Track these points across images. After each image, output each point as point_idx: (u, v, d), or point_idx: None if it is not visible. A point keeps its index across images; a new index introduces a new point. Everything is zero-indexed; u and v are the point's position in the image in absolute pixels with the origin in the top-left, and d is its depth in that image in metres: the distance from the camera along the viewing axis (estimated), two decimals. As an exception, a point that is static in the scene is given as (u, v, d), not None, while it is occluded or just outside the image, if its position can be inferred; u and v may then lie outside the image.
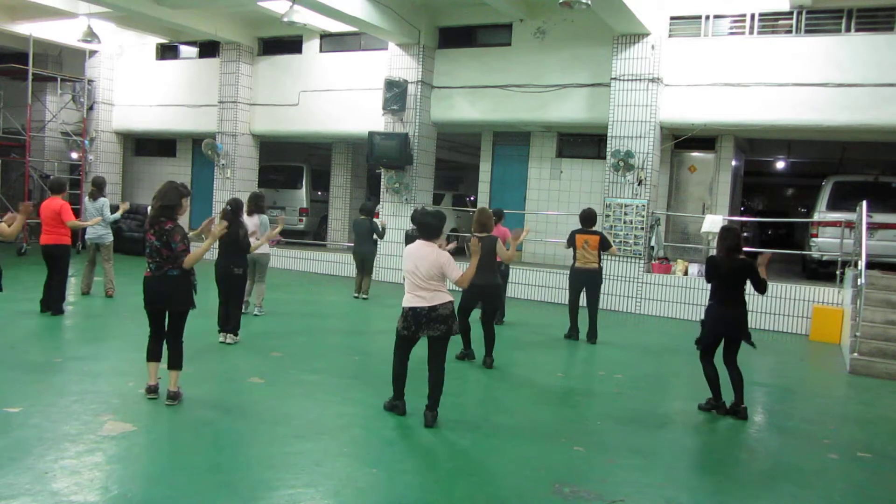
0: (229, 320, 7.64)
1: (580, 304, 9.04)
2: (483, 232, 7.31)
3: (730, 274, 6.01)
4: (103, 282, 10.10)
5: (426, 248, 5.28)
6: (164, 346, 5.55)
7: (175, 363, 5.51)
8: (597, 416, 5.92)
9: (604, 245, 8.78)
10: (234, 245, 7.57)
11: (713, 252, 6.84)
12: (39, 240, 8.72)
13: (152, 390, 5.51)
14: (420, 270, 5.19)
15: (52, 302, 8.58)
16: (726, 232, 6.15)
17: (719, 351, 6.21)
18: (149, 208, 5.57)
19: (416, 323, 5.20)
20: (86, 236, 10.09)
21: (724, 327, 6.09)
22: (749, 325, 6.18)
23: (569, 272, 9.04)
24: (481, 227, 7.33)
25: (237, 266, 7.61)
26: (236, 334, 7.69)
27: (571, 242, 8.86)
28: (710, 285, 6.16)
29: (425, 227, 5.36)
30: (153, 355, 5.55)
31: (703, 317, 6.22)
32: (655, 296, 11.55)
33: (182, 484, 4.01)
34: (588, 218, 8.84)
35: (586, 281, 8.87)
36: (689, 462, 5.14)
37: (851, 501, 4.57)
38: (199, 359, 6.93)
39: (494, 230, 9.54)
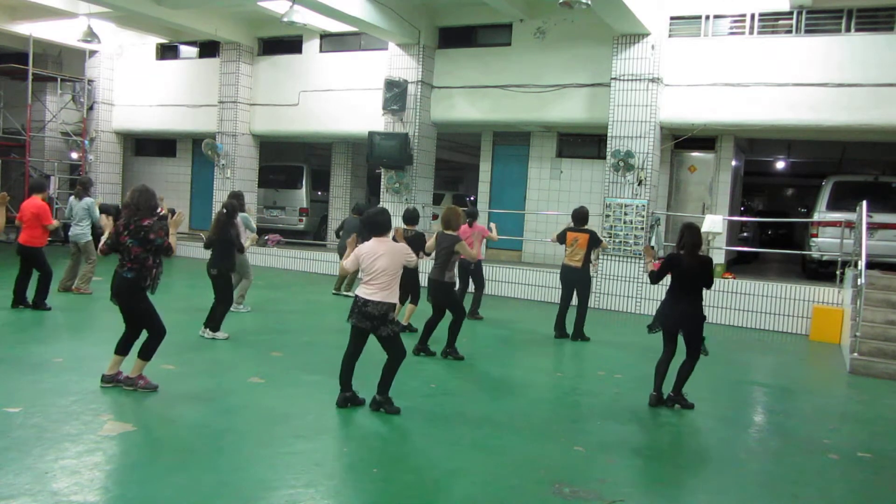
0: (214, 317, 7.73)
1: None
2: (448, 230, 7.46)
3: (690, 271, 6.04)
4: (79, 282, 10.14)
5: (381, 244, 5.46)
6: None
7: (143, 353, 5.66)
8: (597, 416, 5.92)
9: (594, 242, 8.84)
10: (225, 245, 7.67)
11: (712, 251, 6.81)
12: (18, 238, 8.90)
13: (105, 379, 5.66)
14: (376, 265, 5.38)
15: (36, 298, 8.73)
16: (689, 229, 6.14)
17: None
18: (123, 208, 5.69)
19: (352, 310, 5.47)
20: (68, 234, 10.17)
21: (678, 323, 6.14)
22: (704, 329, 6.20)
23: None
24: (447, 224, 7.47)
25: (213, 266, 7.73)
26: (216, 330, 7.74)
27: (562, 239, 8.97)
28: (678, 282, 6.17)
29: (376, 224, 5.54)
30: (118, 348, 5.72)
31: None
32: (655, 296, 11.51)
33: (182, 484, 4.00)
34: (581, 217, 8.91)
35: (572, 279, 8.97)
36: (689, 462, 5.14)
37: (851, 501, 4.57)
38: (199, 358, 6.94)
39: (471, 229, 9.64)
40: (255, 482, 4.10)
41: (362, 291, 5.42)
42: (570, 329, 9.06)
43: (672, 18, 11.76)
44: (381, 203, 14.03)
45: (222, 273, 7.80)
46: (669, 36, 11.74)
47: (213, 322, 7.73)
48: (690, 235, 6.08)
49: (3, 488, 3.77)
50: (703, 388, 6.60)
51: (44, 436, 4.56)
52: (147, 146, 19.25)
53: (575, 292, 9.02)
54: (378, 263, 5.37)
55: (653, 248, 7.05)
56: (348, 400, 5.54)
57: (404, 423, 5.30)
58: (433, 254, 7.59)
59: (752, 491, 4.51)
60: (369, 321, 5.39)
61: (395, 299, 5.51)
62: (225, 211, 7.73)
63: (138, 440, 4.70)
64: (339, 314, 10.40)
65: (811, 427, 6.02)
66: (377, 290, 5.39)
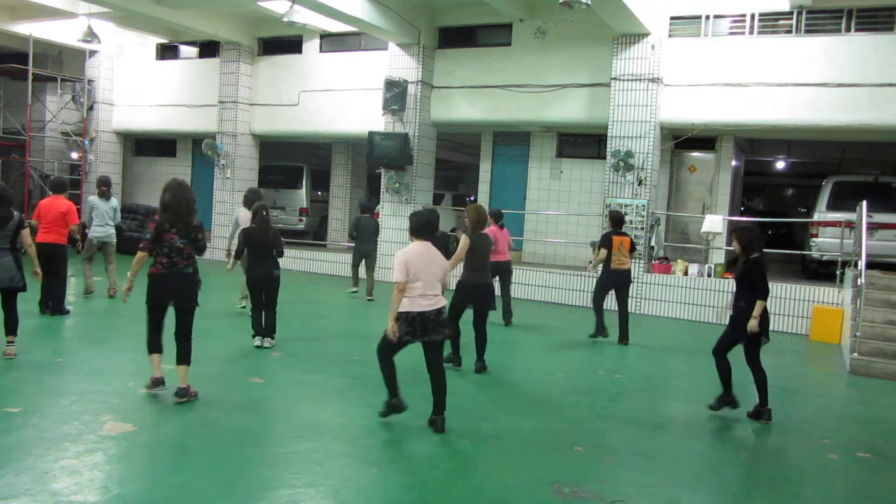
0: (268, 323, 7.60)
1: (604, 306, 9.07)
2: (482, 230, 7.09)
3: (739, 273, 5.99)
4: (107, 282, 10.08)
5: (430, 248, 5.11)
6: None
7: (186, 358, 5.55)
8: (597, 416, 5.92)
9: (633, 247, 8.96)
10: (269, 248, 7.56)
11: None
12: (37, 238, 8.52)
13: (159, 382, 5.57)
14: (431, 271, 5.03)
15: (54, 302, 8.59)
16: (749, 231, 6.04)
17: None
18: (162, 208, 5.51)
19: (422, 328, 4.98)
20: (92, 235, 9.99)
21: (730, 326, 6.05)
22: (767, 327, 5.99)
23: (603, 274, 8.94)
24: (482, 225, 7.09)
25: (277, 268, 7.64)
26: (273, 337, 7.65)
27: (607, 244, 8.75)
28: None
29: (431, 225, 5.18)
30: (157, 347, 5.59)
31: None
32: (655, 296, 11.55)
33: (182, 484, 4.01)
34: (621, 220, 8.98)
35: (623, 282, 8.89)
36: (689, 462, 5.13)
37: (851, 501, 4.57)
38: (199, 359, 6.91)
39: (502, 232, 9.50)
40: (255, 482, 4.11)
41: (425, 304, 4.95)
42: (575, 331, 9.06)
43: (672, 18, 11.76)
44: (381, 203, 14.04)
45: (279, 275, 7.72)
46: (669, 36, 11.74)
47: (270, 328, 7.61)
48: (751, 236, 5.98)
49: (3, 488, 3.77)
50: (703, 388, 6.59)
51: (44, 436, 4.56)
52: (147, 146, 19.24)
53: (614, 295, 8.95)
54: (434, 268, 5.04)
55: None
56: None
57: (404, 423, 5.29)
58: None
59: (752, 491, 4.51)
60: (445, 328, 5.08)
61: None
62: (265, 213, 7.64)
63: (138, 440, 4.70)
64: (338, 315, 10.42)
65: (811, 427, 6.02)
66: (439, 296, 5.06)
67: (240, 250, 7.67)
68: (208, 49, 16.57)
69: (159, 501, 3.77)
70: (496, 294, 7.82)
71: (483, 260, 7.00)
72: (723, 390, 6.01)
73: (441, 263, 5.12)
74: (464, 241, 6.94)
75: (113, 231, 10.04)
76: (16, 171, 18.17)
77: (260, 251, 7.55)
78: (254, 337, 7.58)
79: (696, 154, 13.64)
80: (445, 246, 7.92)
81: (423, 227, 5.14)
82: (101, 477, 4.05)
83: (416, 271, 4.96)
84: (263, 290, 7.59)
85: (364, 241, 11.37)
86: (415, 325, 4.97)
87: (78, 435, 4.62)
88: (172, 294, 5.49)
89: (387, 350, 5.16)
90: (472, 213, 7.07)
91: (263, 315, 7.60)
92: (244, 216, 8.87)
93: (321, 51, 15.18)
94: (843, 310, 9.79)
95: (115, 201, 10.17)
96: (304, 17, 12.20)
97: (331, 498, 4.00)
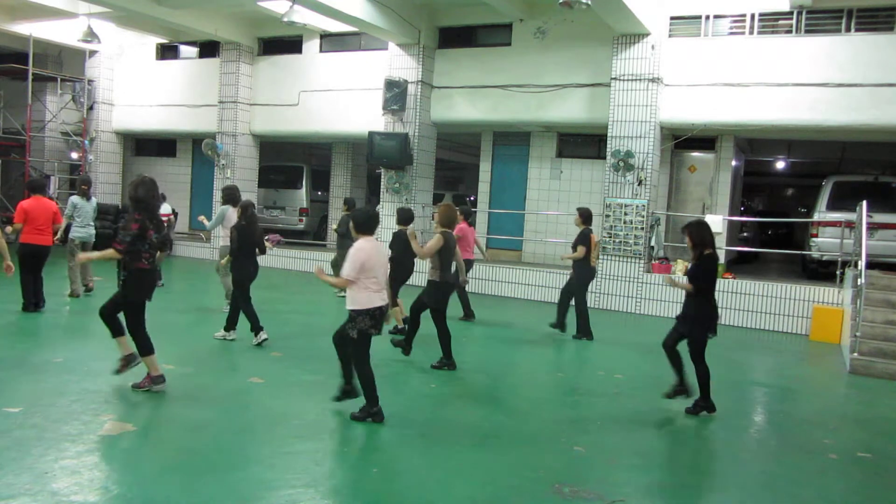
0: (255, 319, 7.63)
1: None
2: (449, 228, 7.15)
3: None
4: (82, 280, 10.06)
5: (378, 243, 5.29)
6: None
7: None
8: (597, 416, 5.92)
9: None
10: (256, 245, 7.62)
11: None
12: (23, 238, 8.53)
13: (161, 379, 5.64)
14: (382, 266, 5.24)
15: (39, 298, 8.68)
16: (701, 227, 5.99)
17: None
18: (136, 203, 5.54)
19: (379, 321, 5.21)
20: (75, 235, 9.84)
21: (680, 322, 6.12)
22: (718, 322, 6.15)
23: (582, 272, 8.93)
24: (451, 222, 7.14)
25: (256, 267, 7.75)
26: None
27: (587, 242, 8.80)
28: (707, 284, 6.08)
29: (374, 220, 5.33)
30: (153, 346, 5.66)
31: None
32: (655, 296, 11.54)
33: (182, 484, 4.00)
34: (591, 216, 9.03)
35: (593, 278, 9.16)
36: (688, 462, 5.13)
37: (851, 501, 4.57)
38: (199, 358, 6.93)
39: (458, 229, 9.51)
40: (255, 482, 4.10)
41: (382, 298, 5.19)
42: (570, 329, 9.07)
43: (672, 18, 11.77)
44: (381, 203, 14.04)
45: None
46: (669, 36, 11.74)
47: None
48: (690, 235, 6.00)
49: (3, 488, 3.76)
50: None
51: (44, 436, 4.55)
52: (147, 146, 19.26)
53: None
54: (383, 262, 5.29)
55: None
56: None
57: (404, 422, 5.29)
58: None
59: (752, 491, 4.51)
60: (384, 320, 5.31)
61: None
62: (254, 209, 7.68)
63: (138, 440, 4.70)
64: (338, 315, 10.39)
65: (811, 427, 6.02)
66: (384, 287, 5.28)
67: (235, 249, 7.67)
68: (208, 49, 16.58)
69: (159, 501, 3.77)
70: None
71: (452, 258, 7.14)
72: (677, 379, 6.07)
73: (386, 258, 5.30)
74: (438, 239, 6.95)
75: (94, 231, 10.06)
76: (16, 171, 18.18)
77: (251, 248, 7.63)
78: (257, 335, 7.55)
79: (696, 154, 13.64)
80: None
81: (367, 221, 5.29)
82: (101, 477, 4.05)
83: (372, 266, 5.14)
84: (248, 287, 7.64)
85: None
86: (376, 319, 5.18)
87: (78, 435, 4.62)
88: (153, 289, 5.65)
89: (364, 353, 5.24)
90: (443, 210, 7.13)
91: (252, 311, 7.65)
92: (232, 214, 8.84)
93: (321, 51, 15.19)
94: (843, 310, 9.80)
95: (94, 201, 10.18)
96: (304, 17, 12.20)
97: (331, 498, 4.00)
